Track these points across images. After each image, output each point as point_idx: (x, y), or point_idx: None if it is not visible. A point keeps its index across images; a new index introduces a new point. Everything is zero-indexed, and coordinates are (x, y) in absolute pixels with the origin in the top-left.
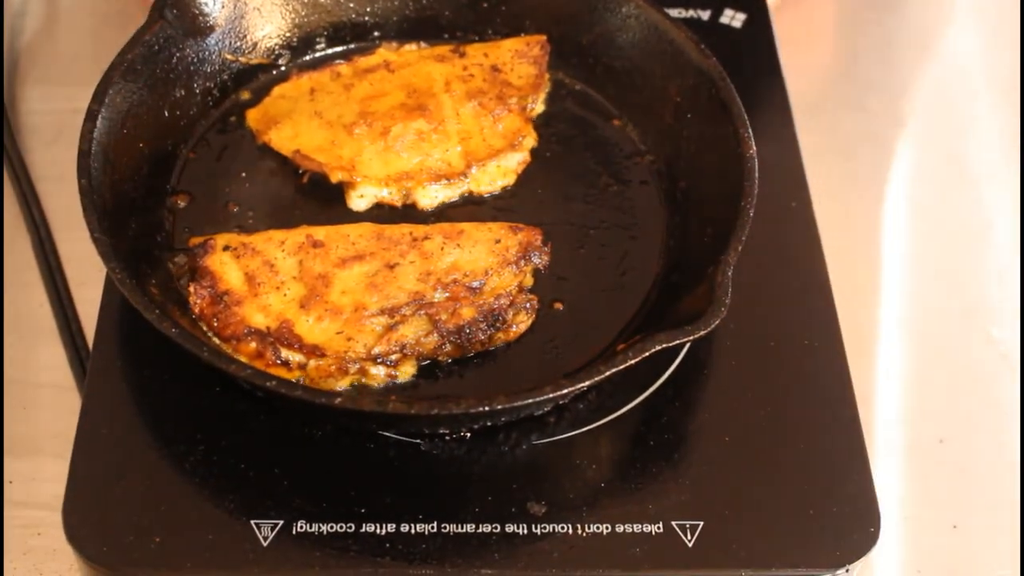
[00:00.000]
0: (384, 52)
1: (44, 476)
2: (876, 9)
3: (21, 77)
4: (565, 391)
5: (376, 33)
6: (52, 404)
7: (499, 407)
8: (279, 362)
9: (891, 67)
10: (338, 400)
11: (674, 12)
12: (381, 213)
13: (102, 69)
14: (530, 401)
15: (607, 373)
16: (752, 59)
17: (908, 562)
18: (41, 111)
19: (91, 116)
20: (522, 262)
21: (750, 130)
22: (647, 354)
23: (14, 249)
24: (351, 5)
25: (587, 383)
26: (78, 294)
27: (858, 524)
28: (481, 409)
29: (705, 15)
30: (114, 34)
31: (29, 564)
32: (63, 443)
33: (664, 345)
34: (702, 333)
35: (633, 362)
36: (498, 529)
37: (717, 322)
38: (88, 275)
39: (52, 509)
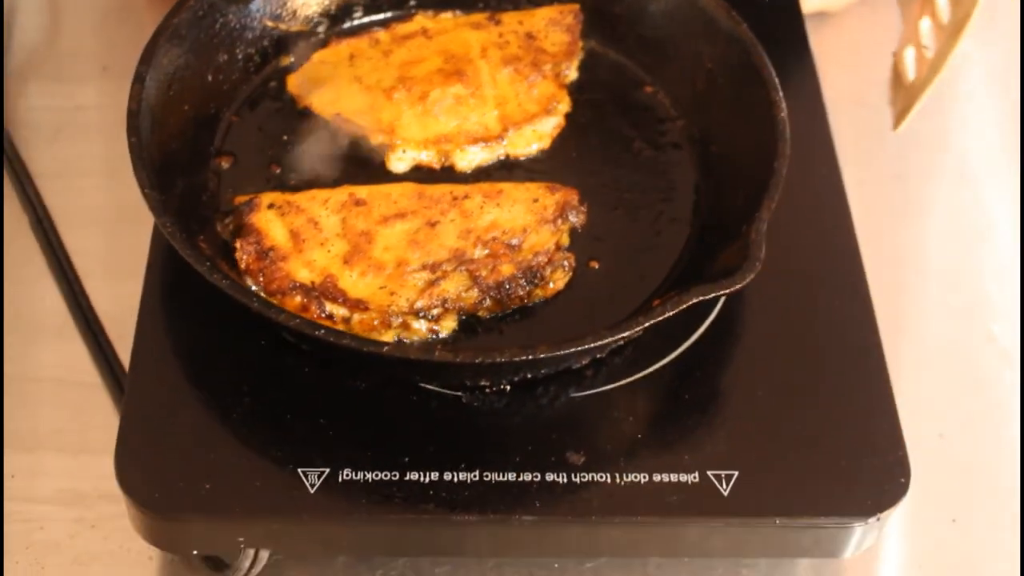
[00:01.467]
0: (421, 19)
1: (45, 471)
2: None
3: (21, 74)
4: (606, 340)
5: (412, 2)
6: (53, 399)
7: (542, 356)
8: (324, 316)
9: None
10: (386, 348)
11: None
12: (420, 175)
13: (104, 66)
14: (572, 351)
15: (646, 324)
16: (779, 29)
17: (908, 557)
18: (41, 108)
19: (139, 78)
20: (559, 220)
21: (781, 93)
22: (684, 306)
23: (13, 245)
24: None
25: (627, 333)
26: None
27: (889, 475)
28: (524, 358)
29: None
30: (115, 31)
31: (31, 558)
32: (64, 438)
33: (701, 298)
34: (738, 287)
35: (671, 313)
36: (538, 478)
37: (752, 276)
38: (92, 269)
39: (54, 503)
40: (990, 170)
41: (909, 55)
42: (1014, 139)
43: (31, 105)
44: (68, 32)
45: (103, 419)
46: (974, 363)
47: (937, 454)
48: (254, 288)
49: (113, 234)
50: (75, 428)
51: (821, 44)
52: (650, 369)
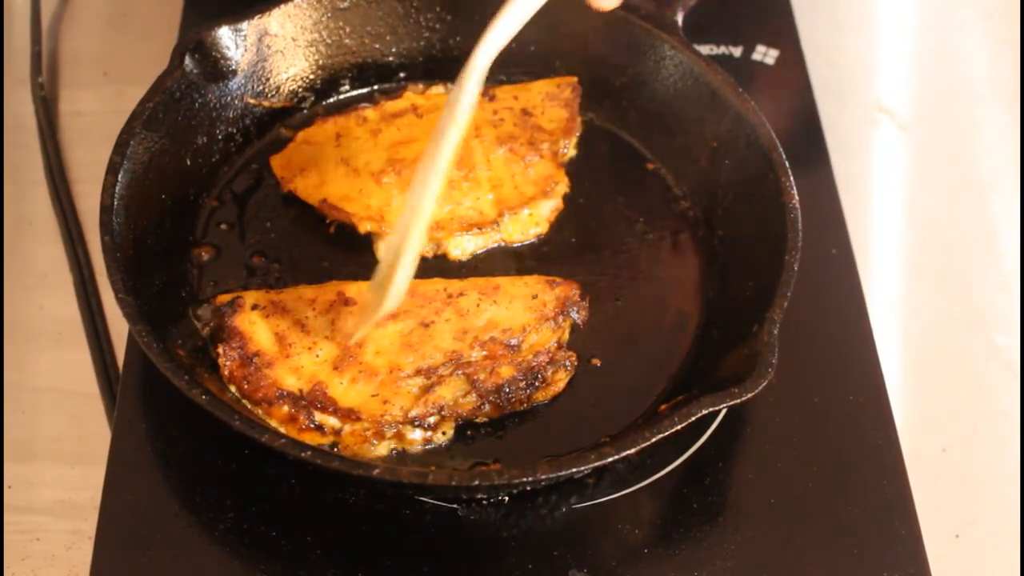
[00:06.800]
0: (411, 96)
1: (43, 481)
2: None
3: (21, 78)
4: (610, 459)
5: (402, 74)
6: (52, 408)
7: (542, 476)
8: (313, 426)
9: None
10: (376, 472)
11: (705, 49)
12: None
13: (103, 72)
14: (574, 471)
15: (652, 440)
16: (786, 96)
17: None
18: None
19: (113, 169)
20: (560, 318)
21: (791, 178)
22: (693, 419)
23: (13, 252)
24: (376, 46)
25: (632, 450)
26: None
27: None
28: (524, 479)
29: (737, 52)
30: (116, 37)
31: (27, 569)
32: (62, 447)
33: (710, 409)
34: (748, 396)
35: (679, 427)
36: None
37: (764, 384)
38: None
39: (51, 515)
40: (994, 181)
41: None
42: (1017, 149)
43: (31, 111)
44: (68, 38)
45: (101, 429)
46: (977, 375)
47: (939, 468)
48: (237, 394)
49: None
50: (73, 437)
51: None
52: (656, 475)
